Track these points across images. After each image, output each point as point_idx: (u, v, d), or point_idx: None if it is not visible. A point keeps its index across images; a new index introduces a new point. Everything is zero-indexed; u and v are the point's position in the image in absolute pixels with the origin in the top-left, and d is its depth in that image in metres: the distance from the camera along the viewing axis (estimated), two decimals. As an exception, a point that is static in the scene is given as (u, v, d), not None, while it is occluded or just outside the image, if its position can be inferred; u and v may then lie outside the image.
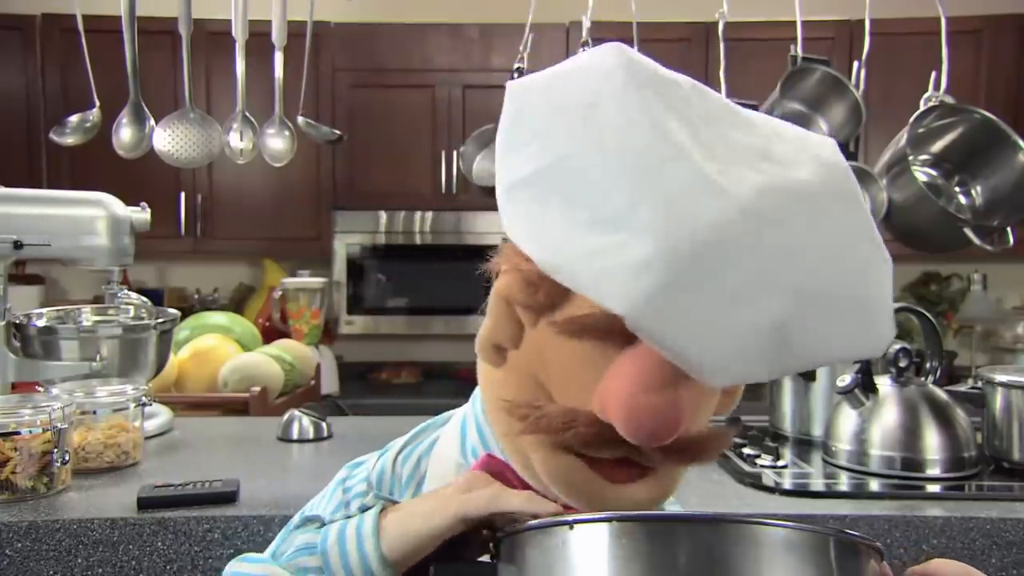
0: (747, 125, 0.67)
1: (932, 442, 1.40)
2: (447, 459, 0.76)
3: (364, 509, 0.69)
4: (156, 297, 3.45)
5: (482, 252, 0.71)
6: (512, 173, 0.63)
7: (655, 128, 0.59)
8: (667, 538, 0.50)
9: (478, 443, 0.75)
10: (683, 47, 3.39)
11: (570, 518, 0.53)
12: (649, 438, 0.61)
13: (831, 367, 1.62)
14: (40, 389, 1.51)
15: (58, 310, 1.74)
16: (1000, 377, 1.45)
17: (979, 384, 1.49)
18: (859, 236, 0.64)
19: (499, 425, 0.70)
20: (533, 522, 0.56)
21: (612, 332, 0.60)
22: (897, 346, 1.47)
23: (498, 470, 0.69)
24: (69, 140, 1.88)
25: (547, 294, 0.64)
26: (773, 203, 0.59)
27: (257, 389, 2.23)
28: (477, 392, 0.77)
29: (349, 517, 0.72)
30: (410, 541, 0.65)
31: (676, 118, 0.61)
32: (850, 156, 1.77)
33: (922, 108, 1.74)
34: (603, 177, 0.59)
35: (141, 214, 1.69)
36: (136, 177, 2.67)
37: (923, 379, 1.50)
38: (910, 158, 1.70)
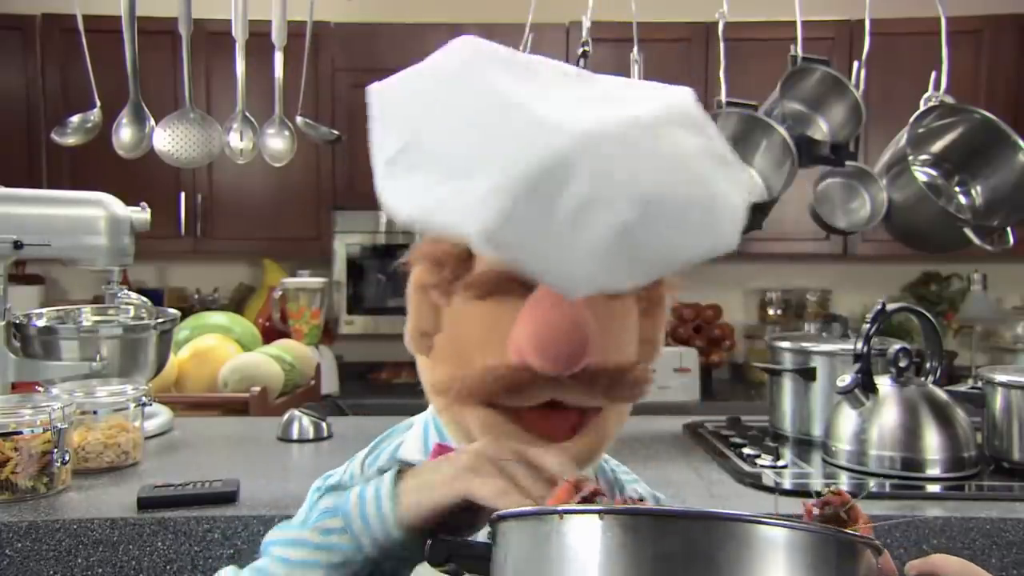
0: (598, 84, 0.73)
1: (932, 442, 1.40)
2: (412, 460, 0.79)
3: (382, 471, 0.72)
4: (156, 297, 3.45)
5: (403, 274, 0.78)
6: (381, 159, 0.70)
7: (495, 92, 0.66)
8: (658, 532, 0.50)
9: (438, 441, 0.80)
10: (683, 47, 3.40)
11: (560, 508, 0.54)
12: (560, 360, 0.67)
13: (831, 367, 1.62)
14: (40, 389, 1.51)
15: (58, 310, 1.74)
16: (1000, 377, 1.45)
17: (979, 384, 1.49)
18: (703, 154, 0.70)
19: (438, 409, 0.77)
20: (526, 508, 0.57)
21: (511, 284, 0.69)
22: (897, 346, 1.47)
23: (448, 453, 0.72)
24: (70, 140, 1.88)
25: (451, 268, 0.72)
26: (612, 130, 0.65)
27: (257, 389, 2.22)
28: None
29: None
30: (423, 511, 0.68)
31: (518, 83, 0.68)
32: (850, 156, 1.76)
33: (922, 108, 1.74)
34: (451, 139, 0.66)
35: (141, 214, 1.69)
36: (136, 177, 2.66)
37: (923, 379, 1.49)
38: (910, 158, 1.70)
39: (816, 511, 0.59)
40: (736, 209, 0.71)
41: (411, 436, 0.84)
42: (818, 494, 0.61)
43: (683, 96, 0.73)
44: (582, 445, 0.73)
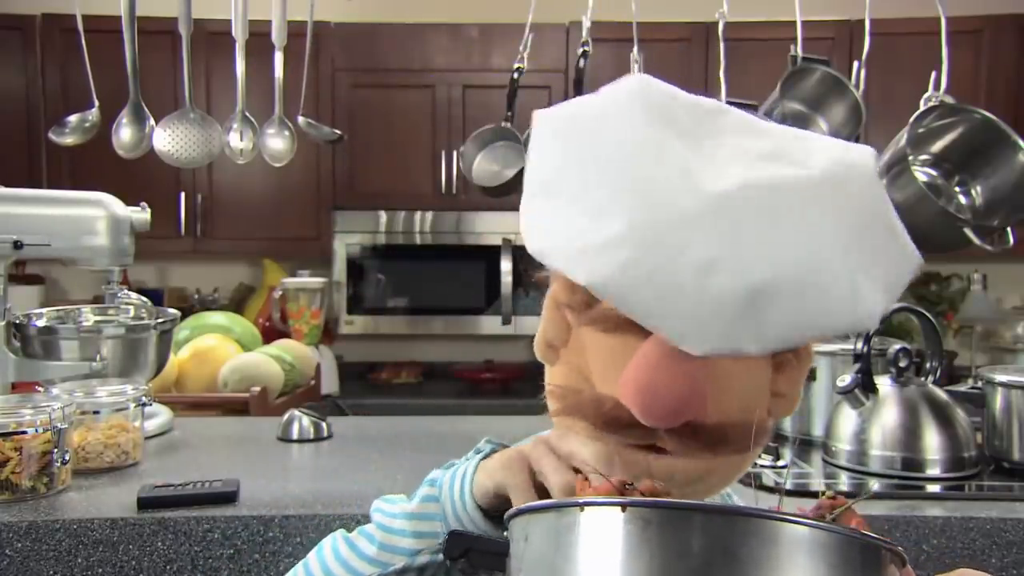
0: (764, 135, 0.71)
1: (932, 442, 1.40)
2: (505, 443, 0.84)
3: (479, 452, 0.78)
4: (156, 297, 3.45)
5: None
6: (530, 187, 0.71)
7: (649, 138, 0.66)
8: (681, 526, 0.49)
9: None
10: (683, 47, 3.40)
11: (582, 499, 0.53)
12: (660, 416, 0.66)
13: (831, 367, 1.62)
14: (40, 389, 1.51)
15: (58, 310, 1.74)
16: (1000, 377, 1.45)
17: (979, 384, 1.49)
18: (859, 224, 0.68)
19: (551, 409, 0.77)
20: (546, 501, 0.57)
21: (634, 326, 0.66)
22: (897, 346, 1.47)
23: None
24: (69, 140, 1.88)
25: (585, 293, 0.70)
26: (754, 194, 0.64)
27: (257, 389, 2.23)
28: None
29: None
30: (490, 492, 0.72)
31: (679, 131, 0.68)
32: (850, 156, 1.76)
33: (922, 108, 1.74)
34: (594, 179, 0.66)
35: (141, 214, 1.69)
36: (136, 177, 2.67)
37: (923, 379, 1.49)
38: (910, 158, 1.70)
39: (810, 515, 0.59)
40: (885, 284, 0.68)
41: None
42: (788, 493, 0.61)
43: (858, 157, 0.71)
44: (682, 466, 0.69)
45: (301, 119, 1.98)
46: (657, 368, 0.65)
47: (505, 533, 0.59)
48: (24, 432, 1.25)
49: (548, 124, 0.72)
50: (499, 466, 0.73)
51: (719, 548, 0.48)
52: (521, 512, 0.57)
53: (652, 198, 0.64)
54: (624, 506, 0.50)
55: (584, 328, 0.72)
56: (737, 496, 0.93)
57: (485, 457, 0.77)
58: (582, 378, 0.73)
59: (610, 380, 0.70)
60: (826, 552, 0.49)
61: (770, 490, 1.35)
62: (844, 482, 1.40)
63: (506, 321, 3.38)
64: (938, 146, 1.82)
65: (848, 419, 1.45)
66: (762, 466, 1.46)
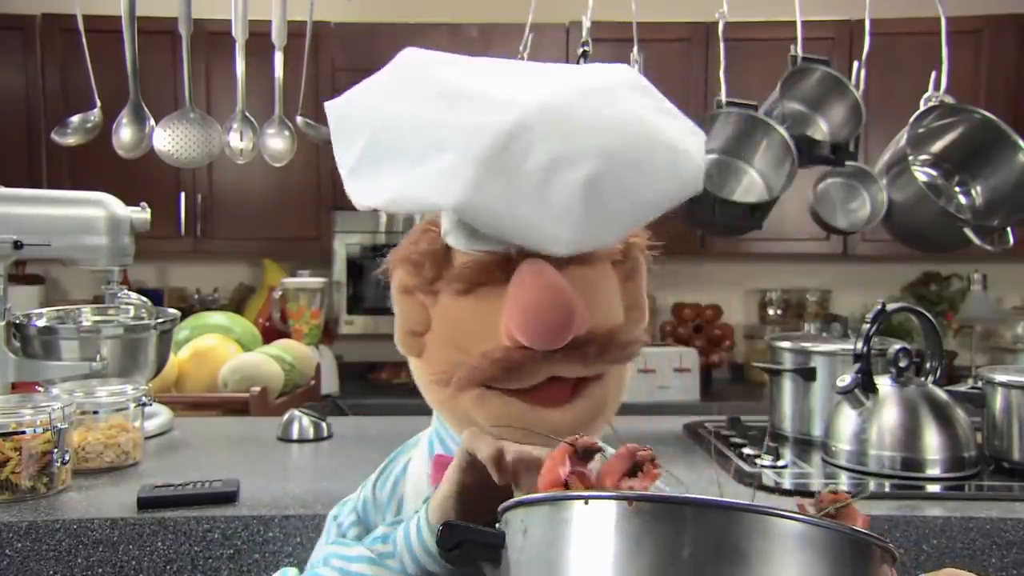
0: (539, 68, 0.78)
1: (932, 442, 1.40)
2: (420, 475, 0.82)
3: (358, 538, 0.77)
4: (156, 297, 3.45)
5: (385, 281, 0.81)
6: (347, 164, 0.74)
7: (445, 83, 0.71)
8: (679, 520, 0.49)
9: (443, 452, 0.81)
10: (683, 47, 3.40)
11: (584, 493, 0.53)
12: (549, 334, 0.69)
13: (831, 367, 1.62)
14: (40, 389, 1.51)
15: (58, 310, 1.74)
16: (1000, 377, 1.45)
17: (979, 384, 1.49)
18: (656, 111, 0.75)
19: (435, 402, 0.78)
20: (544, 494, 0.57)
21: (492, 272, 0.71)
22: (897, 346, 1.47)
23: (449, 463, 0.74)
24: (70, 140, 1.88)
25: (431, 267, 0.75)
26: (566, 99, 0.70)
27: (257, 389, 2.23)
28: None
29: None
30: (443, 504, 0.70)
31: (468, 74, 0.73)
32: (850, 156, 1.76)
33: (922, 108, 1.74)
34: (410, 131, 0.70)
35: (141, 214, 1.69)
36: (136, 177, 2.66)
37: (923, 379, 1.49)
38: (910, 158, 1.70)
39: (811, 509, 0.59)
40: (695, 154, 0.74)
41: (417, 453, 0.85)
42: (785, 492, 0.61)
43: (624, 69, 0.78)
44: (581, 408, 0.74)
45: (300, 119, 1.98)
46: (533, 291, 0.69)
47: (498, 524, 0.58)
48: (24, 432, 1.25)
49: (344, 108, 0.76)
50: (453, 468, 0.71)
51: (716, 541, 0.49)
52: (519, 504, 0.57)
53: (477, 121, 0.67)
54: (628, 500, 0.50)
55: (443, 299, 0.75)
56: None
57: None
58: (458, 351, 0.74)
59: (487, 333, 0.72)
60: (818, 547, 0.50)
61: (770, 490, 1.35)
62: (844, 482, 1.40)
63: (506, 321, 3.37)
64: (938, 146, 1.82)
65: (848, 419, 1.45)
66: (762, 466, 1.46)
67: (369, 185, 0.72)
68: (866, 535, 0.52)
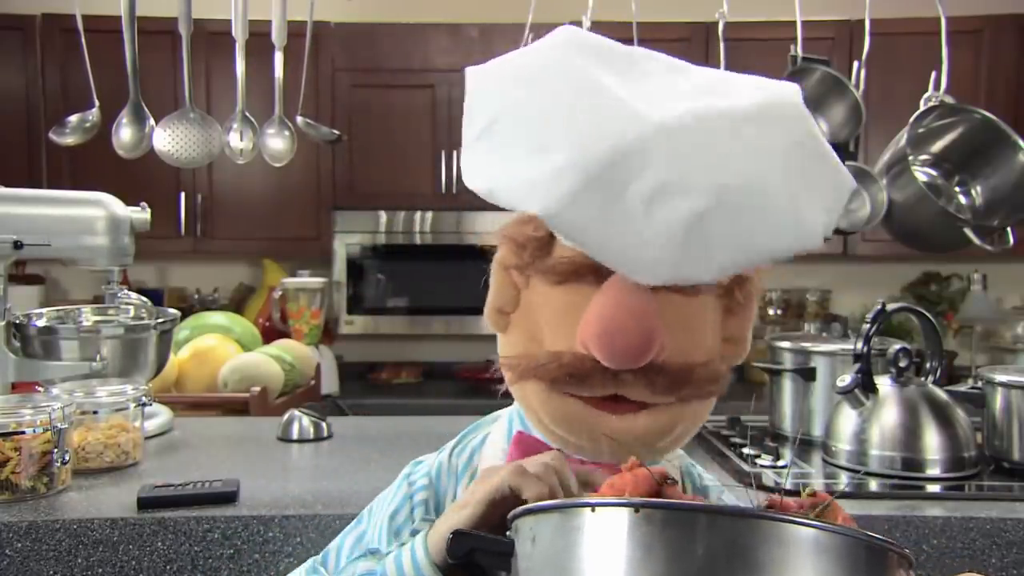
0: (692, 74, 0.74)
1: (932, 442, 1.40)
2: (496, 450, 0.81)
3: (415, 533, 0.71)
4: (156, 297, 3.45)
5: (483, 252, 0.78)
6: (468, 138, 0.72)
7: (587, 79, 0.67)
8: (690, 528, 0.49)
9: (523, 430, 0.79)
10: (683, 47, 3.39)
11: (592, 500, 0.52)
12: (622, 357, 0.66)
13: (831, 367, 1.62)
14: (40, 389, 1.51)
15: (58, 310, 1.74)
16: (1000, 377, 1.45)
17: (979, 384, 1.49)
18: (796, 147, 0.69)
19: (508, 383, 0.77)
20: (553, 502, 0.56)
21: (586, 272, 0.68)
22: (897, 346, 1.47)
23: (530, 444, 0.73)
24: (69, 140, 1.88)
25: (532, 252, 0.72)
26: (695, 121, 0.65)
27: (257, 389, 2.22)
28: None
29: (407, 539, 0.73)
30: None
31: (614, 72, 0.69)
32: (850, 156, 1.76)
33: (922, 108, 1.74)
34: (535, 119, 0.67)
35: (141, 214, 1.69)
36: (136, 177, 2.66)
37: (923, 379, 1.49)
38: (910, 158, 1.70)
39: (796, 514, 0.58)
40: (824, 206, 0.69)
41: (496, 428, 0.85)
42: (787, 493, 0.60)
43: (784, 90, 0.73)
44: (646, 422, 0.70)
45: (300, 119, 1.98)
46: (617, 308, 0.66)
47: (508, 533, 0.58)
48: (24, 432, 1.25)
49: (482, 79, 0.73)
50: (481, 491, 0.66)
51: (728, 548, 0.48)
52: (528, 512, 0.56)
53: (595, 129, 0.64)
54: (635, 507, 0.50)
55: (534, 284, 0.73)
56: (732, 495, 0.93)
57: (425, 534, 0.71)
58: (534, 341, 0.73)
59: (564, 333, 0.70)
60: (833, 554, 0.49)
61: (770, 490, 1.35)
62: (844, 482, 1.40)
63: (506, 321, 3.37)
64: (938, 146, 1.82)
65: (848, 419, 1.45)
66: (762, 466, 1.46)
67: (478, 166, 0.71)
68: (883, 541, 0.51)
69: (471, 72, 0.73)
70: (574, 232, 0.65)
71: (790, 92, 0.73)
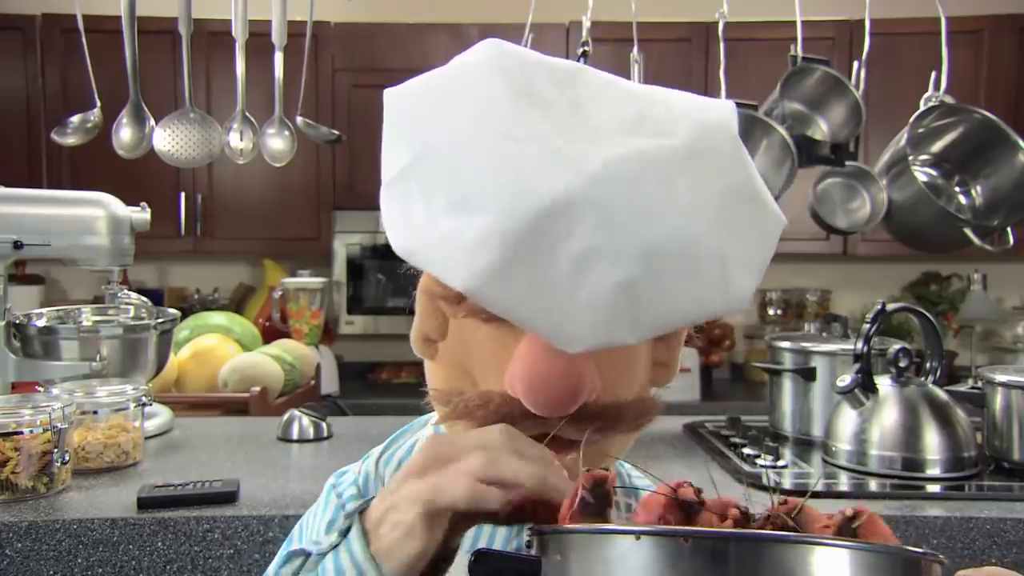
0: (625, 99, 0.68)
1: (932, 442, 1.40)
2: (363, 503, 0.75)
3: (343, 532, 0.64)
4: (156, 297, 3.45)
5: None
6: (387, 174, 0.66)
7: (508, 113, 0.62)
8: (747, 559, 0.46)
9: None
10: (683, 47, 3.39)
11: (637, 528, 0.49)
12: (551, 405, 0.64)
13: (831, 367, 1.62)
14: (40, 389, 1.51)
15: (58, 310, 1.74)
16: (1000, 377, 1.45)
17: (979, 384, 1.49)
18: (729, 193, 0.65)
19: (439, 416, 0.73)
20: (590, 527, 0.53)
21: None
22: (897, 346, 1.47)
23: None
24: (70, 140, 1.88)
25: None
26: (624, 170, 0.61)
27: (257, 389, 2.23)
28: None
29: (334, 546, 0.65)
30: (415, 566, 0.60)
31: (537, 103, 0.64)
32: (850, 156, 1.77)
33: (922, 108, 1.74)
34: (457, 163, 0.62)
35: (141, 214, 1.69)
36: (136, 177, 2.67)
37: (923, 379, 1.49)
38: (910, 158, 1.70)
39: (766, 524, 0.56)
40: (753, 263, 0.66)
41: (424, 434, 0.83)
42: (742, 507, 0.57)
43: (719, 117, 0.68)
44: (575, 458, 0.65)
45: (300, 119, 1.98)
46: (544, 358, 0.63)
47: (529, 549, 0.56)
48: (24, 432, 1.25)
49: (401, 103, 0.67)
50: (422, 518, 0.59)
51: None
52: (557, 532, 0.53)
53: (520, 186, 0.59)
54: (685, 537, 0.47)
55: (463, 319, 0.69)
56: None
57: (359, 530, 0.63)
58: (463, 373, 0.70)
59: (494, 372, 0.67)
60: (880, 571, 0.48)
61: (773, 490, 1.35)
62: (844, 482, 1.40)
63: (506, 321, 3.37)
64: (938, 146, 1.82)
65: (848, 419, 1.45)
66: (762, 466, 1.46)
67: (396, 216, 0.66)
68: (915, 551, 0.50)
69: (389, 94, 0.68)
70: (498, 304, 0.60)
71: (725, 119, 0.68)
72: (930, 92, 1.75)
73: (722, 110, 0.69)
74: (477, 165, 0.61)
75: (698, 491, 0.54)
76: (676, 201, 0.62)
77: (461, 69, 0.66)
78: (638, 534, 0.48)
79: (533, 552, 0.55)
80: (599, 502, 0.57)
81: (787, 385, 1.70)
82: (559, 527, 0.54)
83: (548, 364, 0.63)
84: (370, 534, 0.62)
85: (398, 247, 0.65)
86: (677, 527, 0.50)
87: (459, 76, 0.66)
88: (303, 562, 0.67)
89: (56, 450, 1.27)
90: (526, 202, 0.59)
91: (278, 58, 1.87)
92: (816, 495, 1.33)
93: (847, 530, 0.57)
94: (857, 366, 1.44)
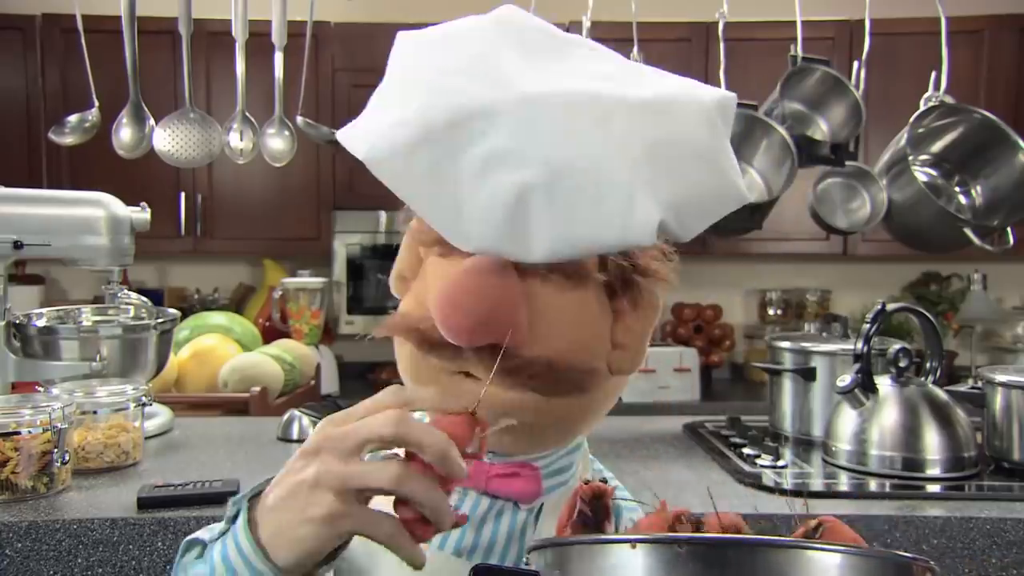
0: (612, 62, 0.71)
1: (932, 442, 1.40)
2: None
3: (231, 519, 0.62)
4: (156, 297, 3.45)
5: None
6: (369, 101, 0.71)
7: (484, 49, 0.66)
8: (734, 561, 0.47)
9: None
10: (683, 47, 3.39)
11: (633, 537, 0.49)
12: (453, 332, 0.64)
13: (831, 367, 1.62)
14: (40, 389, 1.51)
15: (58, 310, 1.74)
16: (1000, 377, 1.45)
17: (979, 384, 1.49)
18: (672, 149, 0.65)
19: (383, 332, 0.75)
20: (587, 537, 0.54)
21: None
22: (897, 346, 1.47)
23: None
24: (69, 140, 1.88)
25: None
26: (563, 99, 0.63)
27: (257, 389, 2.23)
28: None
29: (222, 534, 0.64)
30: (308, 560, 0.57)
31: (521, 50, 0.68)
32: (850, 156, 1.77)
33: (922, 108, 1.74)
34: (416, 80, 0.66)
35: (141, 214, 1.69)
36: (136, 177, 2.67)
37: (923, 379, 1.49)
38: (910, 158, 1.70)
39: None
40: (672, 208, 0.65)
41: None
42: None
43: (699, 94, 0.68)
44: (489, 395, 0.59)
45: (300, 119, 1.98)
46: (460, 284, 0.64)
47: (527, 563, 0.56)
48: (24, 432, 1.25)
49: (406, 43, 0.72)
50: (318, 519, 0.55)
51: None
52: (556, 544, 0.54)
53: (457, 90, 0.63)
54: (679, 543, 0.48)
55: (430, 258, 0.72)
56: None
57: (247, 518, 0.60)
58: (420, 306, 0.71)
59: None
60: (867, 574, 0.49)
61: (769, 490, 1.35)
62: (844, 482, 1.40)
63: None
64: (938, 146, 1.82)
65: (848, 419, 1.45)
66: (762, 466, 1.46)
67: (359, 120, 0.69)
68: (904, 556, 0.51)
69: (401, 36, 0.72)
70: (398, 184, 0.64)
71: (708, 96, 0.68)
72: (930, 92, 1.75)
73: (711, 91, 0.70)
74: (429, 79, 0.66)
75: (698, 524, 0.55)
76: (603, 134, 0.63)
77: (465, 20, 0.71)
78: (634, 542, 0.48)
79: (532, 566, 0.55)
80: (596, 515, 0.57)
81: (787, 385, 1.70)
82: (557, 539, 0.55)
83: (460, 289, 0.64)
84: (259, 522, 0.59)
85: (339, 136, 0.68)
86: (672, 534, 0.51)
87: (466, 24, 0.70)
88: (200, 551, 0.66)
89: (56, 450, 1.27)
90: (451, 99, 0.62)
91: (278, 58, 1.87)
92: (816, 495, 1.33)
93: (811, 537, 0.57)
94: (857, 366, 1.44)
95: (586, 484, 0.58)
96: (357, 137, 0.66)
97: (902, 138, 1.72)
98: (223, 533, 0.62)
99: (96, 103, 1.88)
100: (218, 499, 1.24)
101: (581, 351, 0.69)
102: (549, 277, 0.66)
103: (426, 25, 0.72)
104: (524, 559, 0.57)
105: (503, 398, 0.66)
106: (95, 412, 1.42)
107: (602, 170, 0.62)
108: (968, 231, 1.65)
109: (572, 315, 0.68)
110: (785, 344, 1.72)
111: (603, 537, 0.53)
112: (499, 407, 0.65)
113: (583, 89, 0.64)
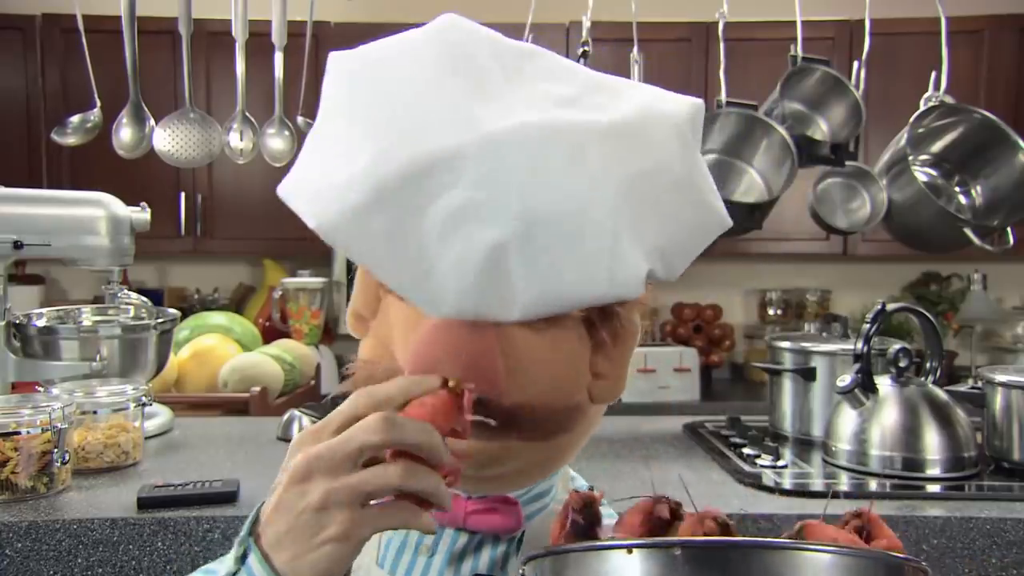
0: (571, 80, 0.64)
1: (932, 442, 1.40)
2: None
3: (240, 559, 0.61)
4: (156, 297, 3.45)
5: None
6: (308, 138, 0.64)
7: (432, 78, 0.59)
8: (730, 564, 0.48)
9: None
10: (683, 47, 3.39)
11: (629, 542, 0.49)
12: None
13: (831, 367, 1.62)
14: (40, 389, 1.51)
15: (58, 310, 1.74)
16: (1000, 377, 1.45)
17: (979, 384, 1.49)
18: (653, 179, 0.60)
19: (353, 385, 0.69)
20: (582, 544, 0.53)
21: None
22: (897, 346, 1.47)
23: None
24: (70, 140, 1.88)
25: None
26: (528, 135, 0.56)
27: (257, 389, 2.23)
28: None
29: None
30: (331, 572, 0.56)
31: (465, 72, 0.60)
32: (850, 156, 1.77)
33: (922, 108, 1.74)
34: (359, 119, 0.59)
35: (141, 214, 1.69)
36: (136, 177, 2.67)
37: (923, 379, 1.49)
38: (910, 158, 1.70)
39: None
40: (658, 251, 0.61)
41: None
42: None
43: (674, 109, 0.64)
44: (467, 446, 0.58)
45: (300, 119, 1.98)
46: (433, 337, 0.59)
47: (523, 573, 0.55)
48: (24, 432, 1.25)
49: (339, 66, 0.64)
50: (334, 538, 0.54)
51: None
52: (551, 553, 0.53)
53: (409, 135, 0.56)
54: (676, 547, 0.48)
55: (387, 296, 0.66)
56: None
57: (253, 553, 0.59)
58: (385, 350, 0.66)
59: (402, 349, 0.64)
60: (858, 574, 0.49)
61: (769, 490, 1.35)
62: (844, 482, 1.40)
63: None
64: (938, 146, 1.82)
65: (848, 419, 1.45)
66: (762, 466, 1.46)
67: (298, 166, 0.62)
68: (897, 557, 0.51)
69: (333, 58, 0.64)
70: (355, 251, 0.56)
71: (676, 110, 0.64)
72: (930, 92, 1.75)
73: (678, 103, 0.65)
74: (374, 116, 0.58)
75: (676, 506, 0.55)
76: (577, 172, 0.57)
77: (404, 39, 0.64)
78: (630, 547, 0.48)
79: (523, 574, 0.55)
80: (588, 522, 0.57)
81: (787, 385, 1.70)
82: (553, 548, 0.54)
83: (435, 343, 0.58)
84: (270, 556, 0.57)
85: (280, 190, 0.61)
86: (668, 538, 0.51)
87: (403, 42, 0.64)
88: None
89: (56, 450, 1.27)
90: (407, 149, 0.55)
91: (278, 58, 1.88)
92: (815, 495, 1.33)
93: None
94: (857, 366, 1.44)
95: (575, 493, 0.58)
96: (301, 198, 0.59)
97: (902, 138, 1.72)
98: (232, 573, 0.61)
99: (98, 103, 1.88)
100: (218, 499, 1.24)
101: (562, 390, 0.65)
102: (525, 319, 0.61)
103: (423, 25, 0.68)
104: (520, 571, 0.56)
105: (488, 450, 0.63)
106: (95, 412, 1.42)
107: (581, 216, 0.57)
108: (968, 231, 1.65)
109: (551, 355, 0.63)
110: (785, 344, 1.72)
111: (599, 544, 0.52)
112: (485, 458, 0.63)
113: (550, 121, 0.58)
